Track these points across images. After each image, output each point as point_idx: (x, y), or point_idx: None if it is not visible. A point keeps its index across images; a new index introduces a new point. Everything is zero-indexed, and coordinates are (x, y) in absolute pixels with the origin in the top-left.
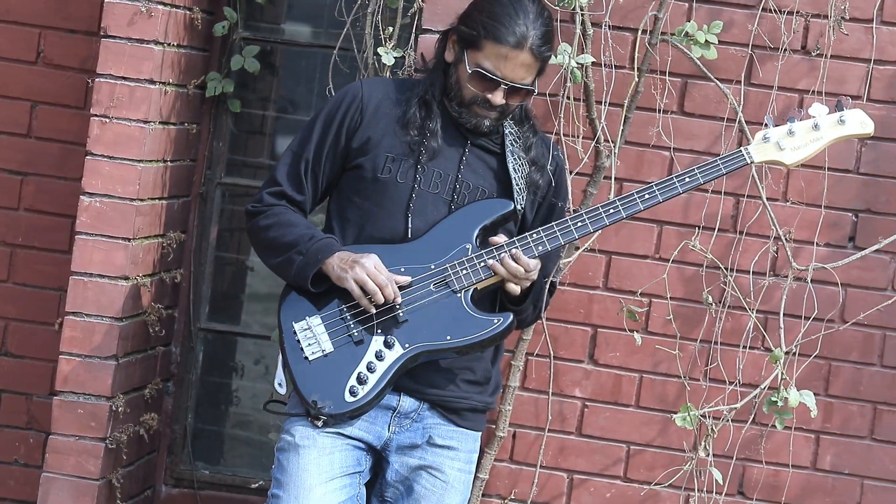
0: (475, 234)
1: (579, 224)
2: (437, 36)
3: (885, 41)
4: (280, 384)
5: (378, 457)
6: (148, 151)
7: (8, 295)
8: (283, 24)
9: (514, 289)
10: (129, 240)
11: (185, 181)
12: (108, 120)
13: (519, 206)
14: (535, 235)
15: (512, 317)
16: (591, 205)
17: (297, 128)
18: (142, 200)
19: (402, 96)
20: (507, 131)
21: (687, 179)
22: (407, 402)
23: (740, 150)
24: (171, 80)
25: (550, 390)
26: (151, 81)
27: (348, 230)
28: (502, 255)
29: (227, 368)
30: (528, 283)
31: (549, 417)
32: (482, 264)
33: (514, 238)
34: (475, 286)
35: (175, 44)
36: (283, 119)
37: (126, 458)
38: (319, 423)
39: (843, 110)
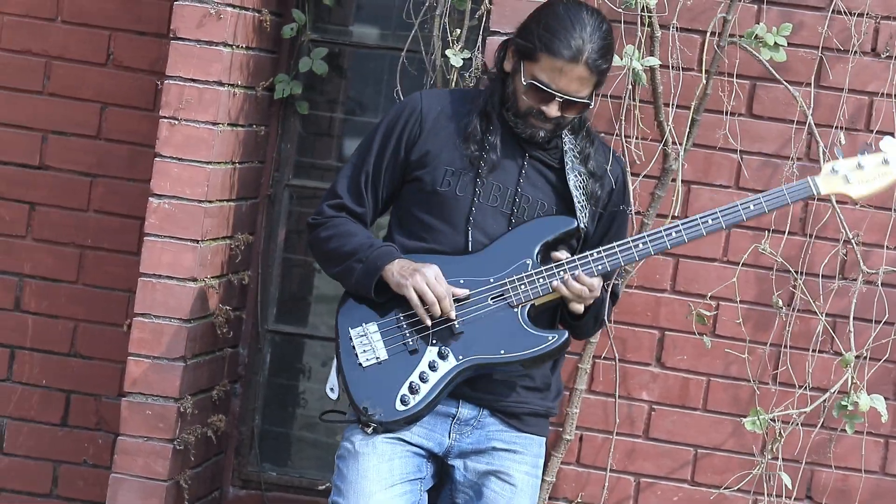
0: (536, 250)
1: (640, 247)
2: (498, 45)
3: None
4: (332, 389)
5: (440, 463)
6: (216, 153)
7: (77, 296)
8: (351, 25)
9: (578, 308)
10: (197, 241)
11: (254, 183)
12: (177, 122)
13: (582, 225)
14: (595, 255)
15: (567, 334)
16: (659, 208)
17: (365, 130)
18: (210, 202)
19: (462, 108)
20: (566, 147)
21: (752, 207)
22: (466, 410)
23: (807, 181)
24: (239, 82)
25: (617, 393)
26: (220, 83)
27: (409, 242)
28: (565, 276)
29: (294, 370)
30: (590, 302)
31: (617, 420)
32: (542, 281)
33: (575, 256)
34: (532, 302)
35: (244, 46)
36: (350, 121)
37: (194, 459)
38: (369, 430)
39: None
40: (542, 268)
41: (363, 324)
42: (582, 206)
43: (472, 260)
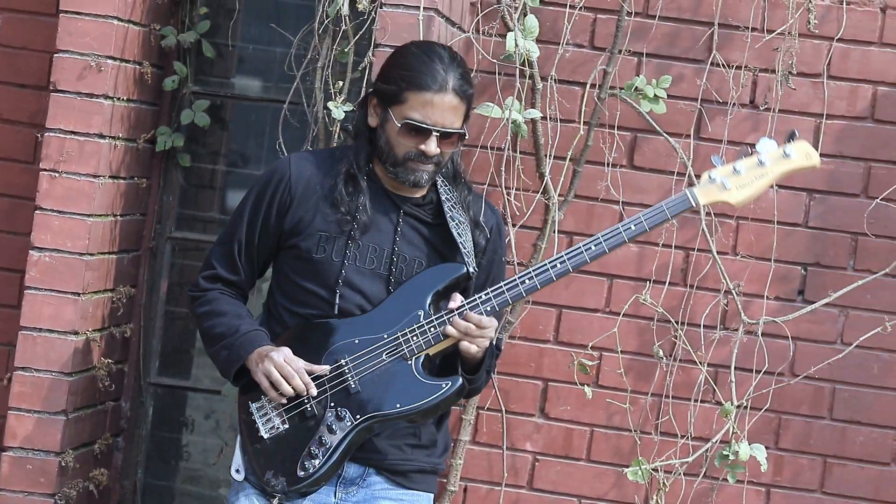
0: (428, 301)
1: (527, 282)
2: (357, 104)
3: (833, 96)
4: (237, 470)
5: None
6: (97, 206)
7: None
8: (232, 77)
9: (470, 348)
10: (78, 294)
11: (135, 235)
12: (57, 174)
13: (471, 269)
14: (483, 297)
15: (461, 381)
16: (541, 259)
17: (248, 182)
18: (91, 255)
19: (330, 170)
20: (442, 198)
21: (633, 227)
22: (351, 469)
23: (685, 193)
24: (120, 135)
25: (505, 444)
26: (101, 136)
27: (294, 307)
28: (451, 317)
29: (177, 423)
30: (485, 342)
31: (505, 474)
32: (432, 329)
33: (464, 301)
34: (426, 352)
35: (125, 98)
36: (233, 173)
37: None
38: (275, 502)
39: (793, 141)
40: (433, 316)
41: (264, 396)
42: (468, 252)
43: (368, 319)
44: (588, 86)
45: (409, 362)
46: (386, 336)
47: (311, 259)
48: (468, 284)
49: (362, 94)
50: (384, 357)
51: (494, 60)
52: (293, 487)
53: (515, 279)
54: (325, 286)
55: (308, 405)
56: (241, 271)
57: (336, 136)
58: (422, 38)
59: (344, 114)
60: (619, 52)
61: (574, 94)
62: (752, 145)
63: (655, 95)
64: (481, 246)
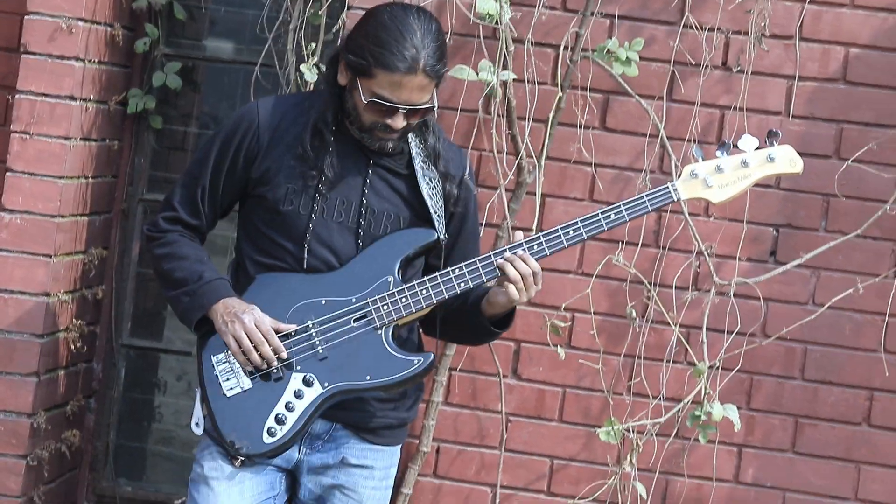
0: (397, 266)
1: (501, 261)
2: (328, 60)
3: (805, 57)
4: (197, 424)
5: (292, 477)
6: (69, 168)
7: None
8: (204, 40)
9: (514, 295)
10: (50, 256)
11: (107, 197)
12: (28, 136)
13: (442, 236)
14: (457, 272)
15: (433, 356)
16: (514, 221)
17: None
18: (63, 217)
19: (299, 119)
20: (413, 152)
21: (612, 216)
22: (318, 424)
23: (667, 187)
24: (92, 97)
25: (473, 405)
26: (72, 98)
27: (260, 258)
28: (513, 255)
29: (149, 384)
30: (531, 293)
31: (477, 432)
32: (404, 300)
33: (437, 273)
34: (396, 322)
35: (96, 60)
36: (205, 135)
37: (48, 475)
38: (237, 463)
39: (773, 145)
40: (405, 286)
41: (225, 351)
42: (439, 217)
43: (333, 278)
44: (561, 48)
45: (380, 332)
46: (354, 300)
47: (278, 211)
48: (439, 250)
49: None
50: (352, 324)
51: (473, 20)
52: (259, 452)
53: (490, 256)
54: (291, 239)
55: (274, 367)
56: (203, 216)
57: None
58: None
59: (316, 76)
60: (592, 14)
61: (547, 56)
62: (735, 144)
63: (628, 58)
64: (453, 195)
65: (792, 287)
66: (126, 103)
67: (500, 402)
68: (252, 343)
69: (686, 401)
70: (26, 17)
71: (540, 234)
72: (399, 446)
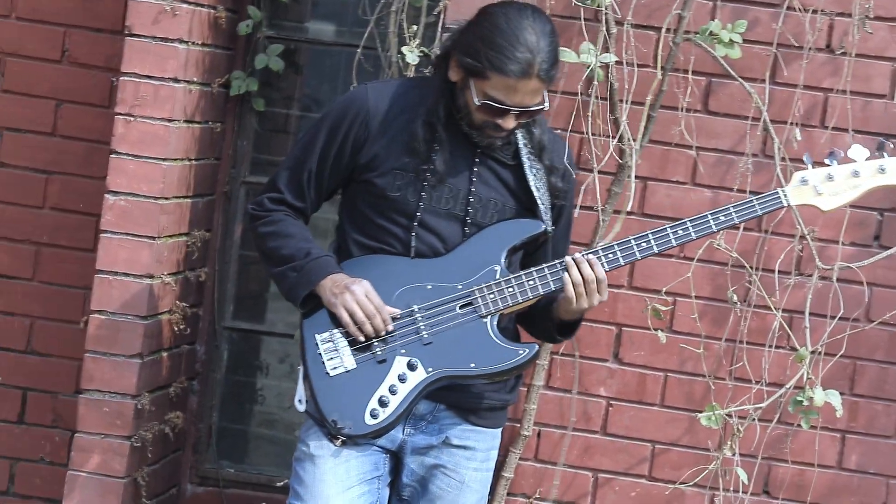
0: (503, 256)
1: (611, 257)
2: (436, 57)
3: None
4: (300, 401)
5: (396, 457)
6: (172, 150)
7: (33, 293)
8: (307, 22)
9: (572, 302)
10: (153, 238)
11: (210, 180)
12: (132, 118)
13: (549, 228)
14: (602, 251)
15: (537, 347)
16: (615, 204)
17: None
18: (166, 199)
19: (408, 108)
20: (520, 143)
21: (722, 218)
22: (422, 405)
23: (777, 192)
24: (195, 79)
25: (576, 389)
26: (176, 80)
27: (366, 241)
28: (578, 258)
29: (251, 367)
30: (595, 300)
31: (573, 417)
32: (511, 290)
33: (544, 265)
34: (502, 311)
35: (199, 42)
36: (307, 118)
37: (151, 456)
38: (338, 443)
39: (883, 156)
40: (511, 276)
41: (330, 329)
42: (546, 208)
43: (440, 263)
44: (663, 30)
45: (485, 320)
46: (461, 287)
47: (385, 196)
48: (544, 242)
49: (441, 43)
50: (458, 310)
51: (576, 2)
52: (361, 433)
53: (598, 251)
54: (399, 224)
55: (378, 349)
56: (308, 199)
57: None
58: None
59: (418, 58)
60: None
61: (649, 38)
62: (845, 153)
63: (731, 40)
64: (558, 188)
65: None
66: (229, 86)
67: (601, 386)
68: (365, 314)
69: (788, 386)
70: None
71: (649, 232)
72: (500, 429)
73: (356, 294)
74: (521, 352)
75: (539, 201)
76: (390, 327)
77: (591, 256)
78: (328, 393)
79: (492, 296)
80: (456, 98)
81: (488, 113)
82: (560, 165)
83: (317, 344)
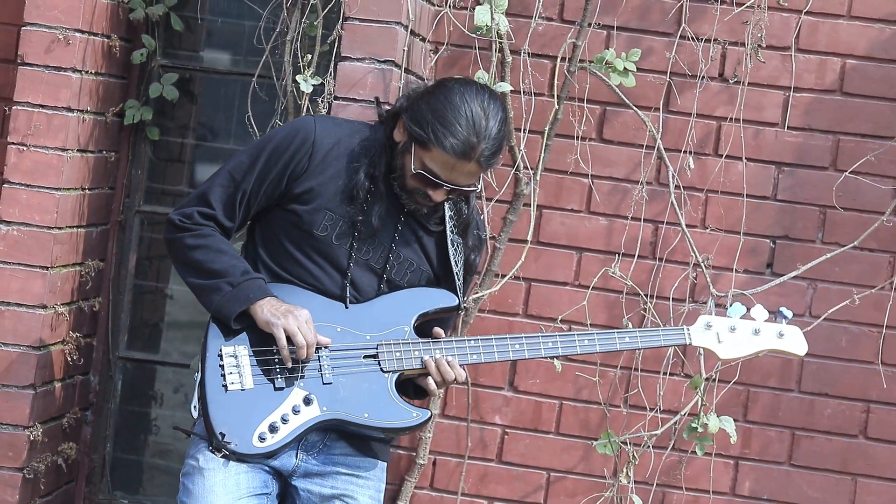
0: (413, 319)
1: (517, 347)
2: (388, 113)
3: (801, 69)
4: (195, 407)
5: (284, 482)
6: (66, 179)
7: None
8: (201, 51)
9: (432, 388)
10: (47, 268)
11: (104, 209)
12: (25, 148)
13: (462, 305)
14: (472, 343)
15: (429, 415)
16: (511, 233)
17: (217, 156)
18: (60, 229)
19: (353, 153)
20: (447, 214)
21: (627, 339)
22: (313, 434)
23: (682, 330)
24: (89, 108)
25: (469, 417)
26: (69, 109)
27: (278, 271)
28: (438, 356)
29: (145, 397)
30: (444, 387)
31: (469, 444)
32: (416, 353)
33: (454, 338)
34: (403, 371)
35: (93, 71)
36: (202, 147)
37: (44, 487)
38: (219, 455)
39: (781, 323)
40: (420, 340)
41: (236, 346)
42: (461, 284)
43: (354, 311)
44: (558, 59)
45: (386, 376)
46: (369, 338)
47: (311, 233)
48: (454, 316)
49: (330, 67)
50: (361, 359)
51: (469, 34)
52: (246, 452)
53: (506, 339)
54: (315, 263)
55: (279, 377)
56: (237, 220)
57: (304, 110)
58: (398, 15)
59: (312, 87)
60: (589, 25)
61: (544, 67)
62: (748, 309)
63: (625, 68)
64: (475, 266)
65: (788, 299)
66: (123, 115)
67: (496, 415)
68: (305, 340)
69: (683, 413)
70: (23, 28)
71: (557, 334)
72: (386, 463)
73: (299, 320)
74: (413, 414)
75: (456, 277)
76: (312, 354)
77: (452, 359)
78: (220, 406)
79: (398, 354)
80: (395, 157)
81: (421, 182)
82: (479, 244)
83: (220, 355)
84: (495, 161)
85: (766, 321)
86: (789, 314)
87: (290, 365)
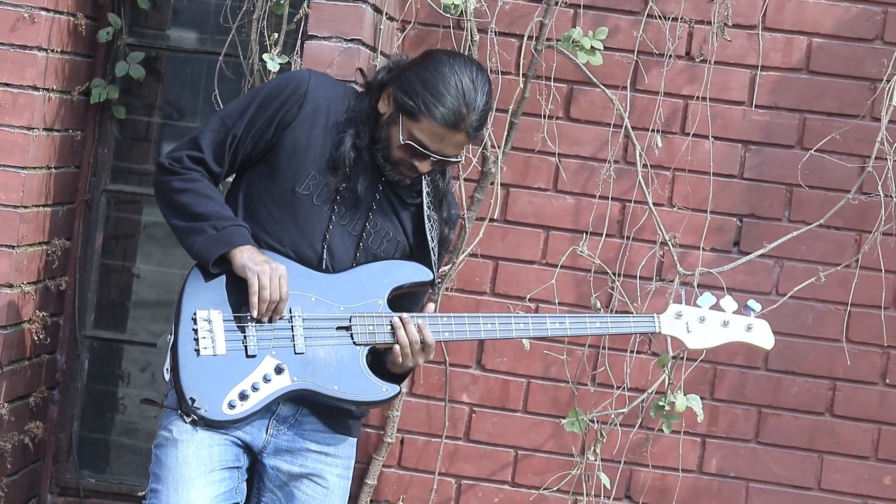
0: (387, 292)
1: (489, 327)
2: (375, 85)
3: (768, 47)
4: (167, 370)
5: (254, 457)
6: (32, 158)
7: None
8: (168, 30)
9: (398, 359)
10: (13, 247)
11: (70, 188)
12: None
13: (437, 280)
14: (444, 320)
15: (399, 389)
16: (478, 211)
17: (183, 134)
18: (26, 208)
19: (340, 118)
20: (424, 190)
21: (598, 325)
22: (286, 408)
23: (653, 317)
24: (54, 87)
25: (447, 396)
26: (35, 88)
27: (258, 232)
28: (406, 318)
29: (112, 376)
30: (416, 361)
31: (447, 424)
32: (388, 328)
33: (426, 314)
34: (375, 345)
35: (59, 50)
36: (168, 125)
37: (11, 466)
38: (187, 420)
39: (750, 316)
40: (394, 314)
41: (210, 309)
42: (436, 260)
43: (328, 280)
44: (525, 38)
45: (358, 349)
46: (342, 309)
47: (293, 191)
48: (427, 291)
49: (297, 45)
50: (334, 331)
51: (440, 11)
52: (215, 419)
53: (478, 318)
54: (296, 225)
55: (252, 343)
56: (225, 165)
57: None
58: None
59: (279, 66)
60: (556, 3)
61: (511, 46)
62: (718, 300)
63: (592, 47)
64: (449, 241)
65: (755, 277)
66: (89, 93)
67: (464, 393)
68: (279, 293)
69: (650, 391)
70: None
71: (528, 316)
72: (356, 439)
73: (277, 271)
74: (383, 389)
75: (432, 251)
76: (278, 317)
77: (421, 321)
78: (192, 371)
79: (371, 327)
80: (379, 128)
81: (408, 153)
82: (453, 218)
83: (194, 319)
84: (482, 133)
85: (734, 313)
86: (757, 307)
87: (255, 314)
